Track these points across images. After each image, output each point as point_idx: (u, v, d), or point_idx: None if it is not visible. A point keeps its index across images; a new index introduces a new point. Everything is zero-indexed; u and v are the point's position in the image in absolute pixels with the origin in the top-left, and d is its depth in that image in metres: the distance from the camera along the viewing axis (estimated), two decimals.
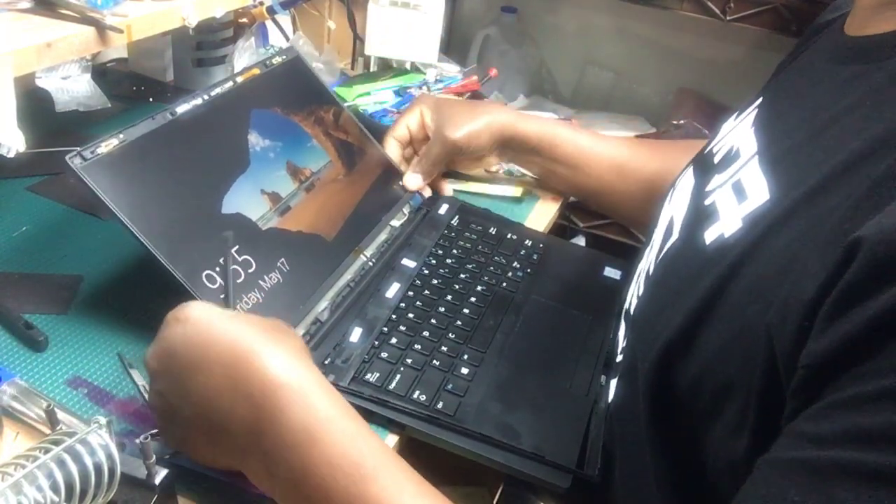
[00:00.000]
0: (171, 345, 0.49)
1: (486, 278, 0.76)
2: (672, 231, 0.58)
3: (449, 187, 0.92)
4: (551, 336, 0.71)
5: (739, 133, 0.56)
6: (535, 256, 0.81)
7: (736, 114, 0.63)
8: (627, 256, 0.85)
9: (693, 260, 0.49)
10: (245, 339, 0.48)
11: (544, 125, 0.89)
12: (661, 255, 0.57)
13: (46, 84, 1.01)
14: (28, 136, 0.64)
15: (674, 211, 0.60)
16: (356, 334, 0.64)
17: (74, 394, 0.58)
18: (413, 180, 0.85)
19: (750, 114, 0.58)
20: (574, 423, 0.61)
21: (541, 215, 0.94)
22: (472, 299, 0.73)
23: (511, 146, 0.89)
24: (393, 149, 0.88)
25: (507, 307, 0.73)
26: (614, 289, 0.80)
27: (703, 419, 0.45)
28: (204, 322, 0.49)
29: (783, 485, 0.34)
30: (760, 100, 0.58)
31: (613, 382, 0.62)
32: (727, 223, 0.47)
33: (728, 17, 1.29)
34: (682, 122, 1.48)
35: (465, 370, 0.64)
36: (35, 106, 0.96)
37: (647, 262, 0.62)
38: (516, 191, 0.94)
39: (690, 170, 0.63)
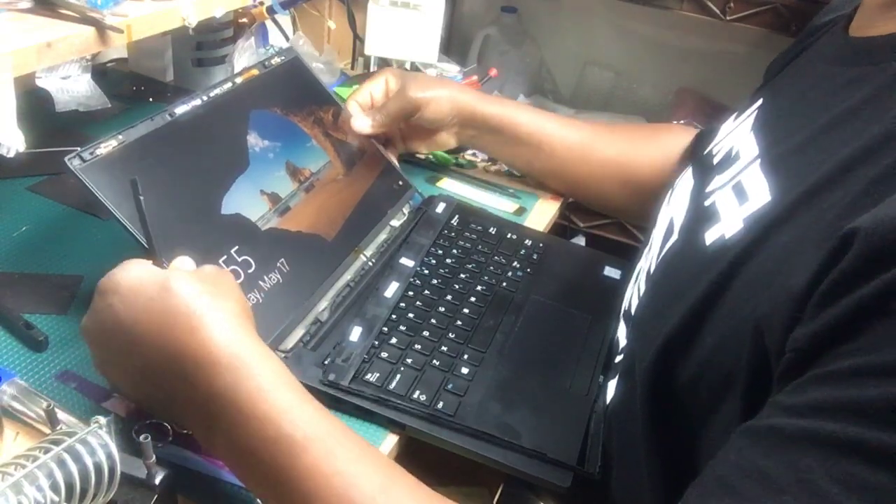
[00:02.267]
0: (102, 320, 0.49)
1: (485, 278, 0.76)
2: (672, 232, 0.58)
3: (396, 154, 0.90)
4: (551, 336, 0.71)
5: (739, 135, 0.56)
6: (535, 256, 0.81)
7: (735, 115, 0.63)
8: (627, 256, 0.85)
9: (693, 260, 0.49)
10: (179, 309, 0.46)
11: (506, 106, 0.89)
12: (661, 255, 0.57)
13: (46, 84, 1.01)
14: (28, 136, 0.64)
15: (673, 212, 0.60)
16: (356, 334, 0.64)
17: (68, 390, 0.58)
18: (361, 122, 0.83)
19: (750, 115, 0.58)
20: (574, 422, 0.61)
21: (541, 215, 0.94)
22: (472, 299, 0.73)
23: (472, 125, 0.89)
24: (353, 110, 0.85)
25: (507, 307, 0.73)
26: (614, 289, 0.80)
27: (699, 418, 0.45)
28: (133, 292, 0.48)
29: (753, 450, 0.36)
30: (760, 101, 0.58)
31: (613, 382, 0.62)
32: (728, 224, 0.48)
33: (728, 17, 1.29)
34: (681, 122, 1.48)
35: (465, 370, 0.64)
36: (35, 106, 0.96)
37: (647, 262, 0.62)
38: (511, 206, 0.94)
39: (690, 171, 0.63)
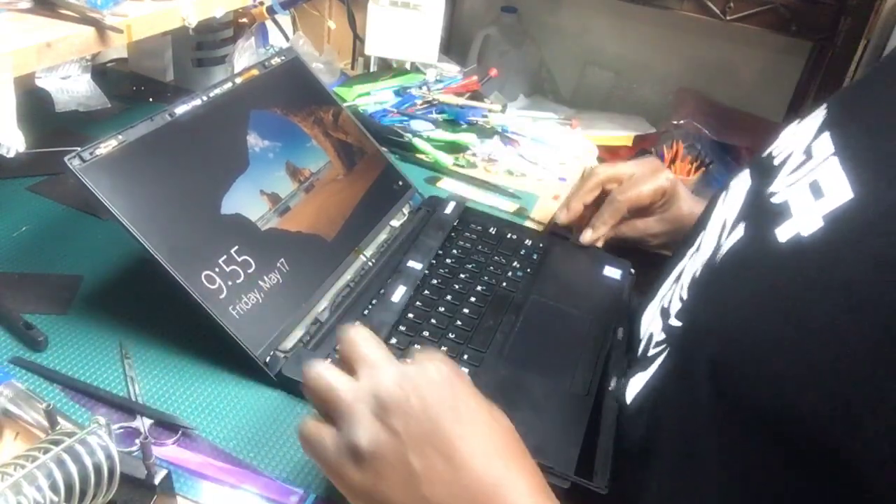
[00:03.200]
0: (425, 410, 0.43)
1: (486, 278, 0.76)
2: (725, 231, 0.57)
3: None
4: (551, 336, 0.71)
5: (805, 136, 0.55)
6: (535, 256, 0.81)
7: (797, 121, 0.62)
8: (627, 256, 0.85)
9: (765, 258, 0.47)
10: (491, 468, 0.43)
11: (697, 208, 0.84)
12: (721, 253, 0.54)
13: (46, 84, 1.01)
14: (28, 136, 0.64)
15: (727, 212, 0.59)
16: None
17: (67, 390, 0.58)
18: (588, 237, 0.83)
19: (815, 118, 0.56)
20: (574, 422, 0.61)
21: (541, 215, 0.94)
22: (472, 299, 0.73)
23: (688, 229, 0.85)
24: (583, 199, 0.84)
25: (507, 307, 0.73)
26: (614, 289, 0.80)
27: (780, 418, 0.42)
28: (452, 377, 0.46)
29: None
30: (825, 107, 0.57)
31: (640, 377, 0.60)
32: (803, 221, 0.45)
33: (728, 17, 1.29)
34: (682, 122, 1.48)
35: (465, 370, 0.64)
36: (35, 106, 0.96)
37: (693, 262, 0.61)
38: (511, 206, 0.94)
39: (746, 172, 0.62)
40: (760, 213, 0.52)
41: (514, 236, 0.84)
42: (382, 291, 0.71)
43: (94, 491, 0.44)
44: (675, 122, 1.48)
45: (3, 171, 0.82)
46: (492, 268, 0.78)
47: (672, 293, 0.63)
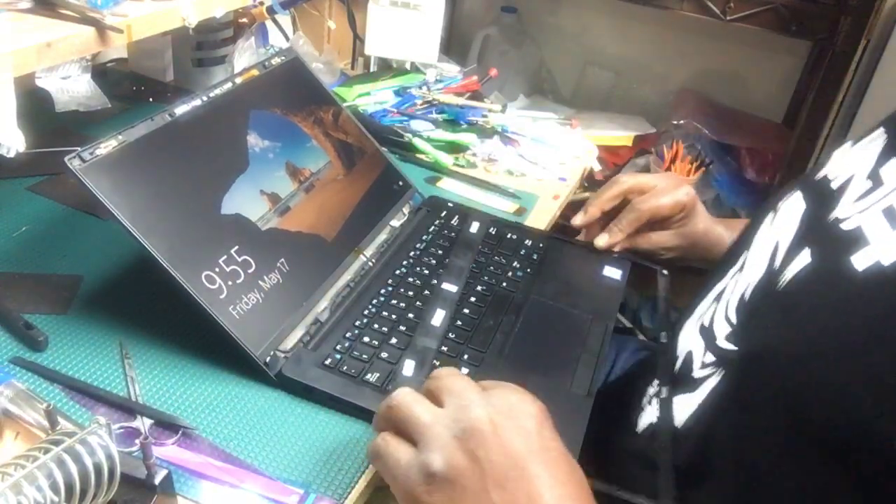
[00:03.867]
0: (511, 445, 0.43)
1: (485, 278, 0.76)
2: (777, 254, 0.56)
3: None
4: (551, 336, 0.71)
5: (867, 160, 0.54)
6: (535, 256, 0.81)
7: (850, 143, 0.61)
8: (627, 257, 0.85)
9: (841, 287, 0.47)
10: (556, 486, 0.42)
11: (731, 233, 0.84)
12: (784, 279, 0.53)
13: (46, 84, 1.01)
14: (28, 136, 0.64)
15: (778, 235, 0.58)
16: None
17: (67, 390, 0.58)
18: (603, 241, 0.83)
19: (873, 141, 0.56)
20: (574, 423, 0.61)
21: (541, 215, 0.94)
22: (472, 299, 0.73)
23: (698, 250, 0.86)
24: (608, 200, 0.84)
25: (507, 307, 0.73)
26: (614, 289, 0.80)
27: (856, 453, 0.42)
28: (548, 470, 0.43)
29: None
30: (883, 131, 0.56)
31: (684, 398, 0.59)
32: (882, 249, 0.45)
33: (728, 17, 1.29)
34: (682, 122, 1.48)
35: (465, 370, 0.64)
36: (35, 106, 0.96)
37: (736, 282, 0.60)
38: (510, 206, 0.94)
39: (798, 195, 0.61)
40: (828, 239, 0.51)
41: (514, 236, 0.84)
42: (378, 289, 0.71)
43: (94, 491, 0.44)
44: (675, 122, 1.48)
45: (3, 171, 0.82)
46: (492, 268, 0.78)
47: (713, 312, 0.62)
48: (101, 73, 1.11)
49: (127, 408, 0.58)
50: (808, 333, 0.47)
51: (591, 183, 1.45)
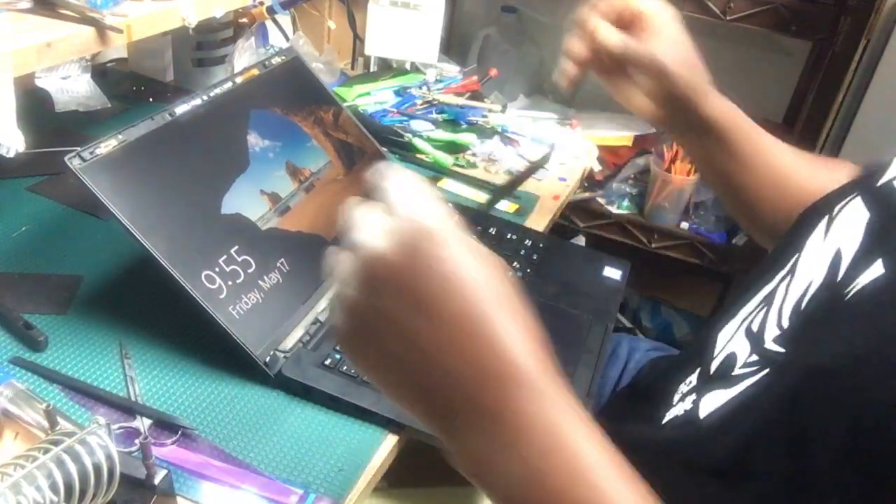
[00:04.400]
0: (407, 262, 0.39)
1: None
2: (840, 263, 0.54)
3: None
4: (551, 336, 0.71)
5: None
6: (535, 256, 0.81)
7: None
8: (627, 256, 0.85)
9: None
10: (490, 302, 0.40)
11: (727, 108, 0.78)
12: (854, 288, 0.52)
13: (46, 84, 1.01)
14: (28, 136, 0.64)
15: (840, 242, 0.56)
16: None
17: (67, 390, 0.58)
18: (607, 32, 0.73)
19: None
20: None
21: (541, 215, 0.94)
22: None
23: (684, 115, 0.77)
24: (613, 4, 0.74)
25: None
26: (614, 289, 0.80)
27: None
28: (453, 257, 0.40)
29: None
30: None
31: (716, 395, 0.59)
32: None
33: (728, 17, 1.29)
34: None
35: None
36: (35, 106, 0.96)
37: (787, 288, 0.59)
38: (510, 207, 0.94)
39: (858, 201, 0.59)
40: None
41: (514, 236, 0.84)
42: None
43: (93, 491, 0.44)
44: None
45: (3, 171, 0.82)
46: None
47: (762, 315, 0.60)
48: (101, 73, 1.11)
49: (127, 408, 0.58)
50: (881, 346, 0.46)
51: (591, 183, 1.45)
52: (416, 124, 1.07)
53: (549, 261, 0.81)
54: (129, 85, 1.11)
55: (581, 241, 1.42)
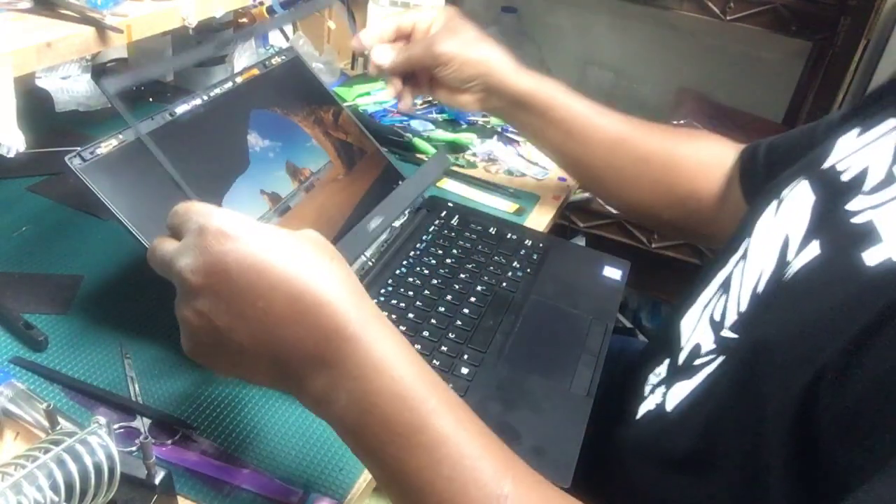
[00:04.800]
0: (221, 261, 0.43)
1: (486, 278, 0.76)
2: (789, 246, 0.55)
3: (410, 100, 0.87)
4: (551, 336, 0.71)
5: (883, 154, 0.54)
6: (535, 256, 0.81)
7: (857, 130, 0.60)
8: (627, 256, 0.85)
9: (850, 281, 0.46)
10: (308, 268, 0.44)
11: (541, 84, 0.86)
12: (793, 269, 0.53)
13: (46, 84, 1.01)
14: (28, 136, 0.64)
15: (788, 226, 0.58)
16: None
17: (67, 390, 0.58)
18: (382, 54, 0.82)
19: (888, 135, 0.55)
20: (574, 423, 0.61)
21: (541, 215, 0.94)
22: (472, 299, 0.73)
23: (498, 95, 0.85)
24: (385, 26, 0.83)
25: (507, 307, 0.73)
26: (614, 289, 0.80)
27: (854, 453, 0.42)
28: (259, 243, 0.44)
29: None
30: (894, 121, 0.56)
31: (680, 387, 0.60)
32: (894, 247, 0.45)
33: (728, 17, 1.29)
34: (682, 122, 1.48)
35: (465, 370, 0.64)
36: (35, 106, 0.96)
37: (742, 271, 0.60)
38: (510, 207, 0.94)
39: (804, 184, 0.60)
40: (839, 232, 0.51)
41: (514, 236, 0.84)
42: (378, 289, 0.71)
43: (94, 491, 0.44)
44: (675, 122, 1.48)
45: (3, 171, 0.82)
46: (492, 268, 0.78)
47: (721, 302, 0.61)
48: (101, 73, 1.11)
49: (127, 408, 0.58)
50: (814, 325, 0.47)
51: None
52: (416, 124, 1.07)
53: (549, 261, 0.81)
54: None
55: (581, 241, 1.42)
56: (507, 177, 1.01)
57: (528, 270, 0.79)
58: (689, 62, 1.54)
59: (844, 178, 0.56)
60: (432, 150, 1.01)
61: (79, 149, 0.57)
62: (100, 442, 0.45)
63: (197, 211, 0.46)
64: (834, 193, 0.55)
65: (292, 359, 0.44)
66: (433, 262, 0.77)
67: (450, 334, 0.67)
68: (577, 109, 0.86)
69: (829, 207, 0.55)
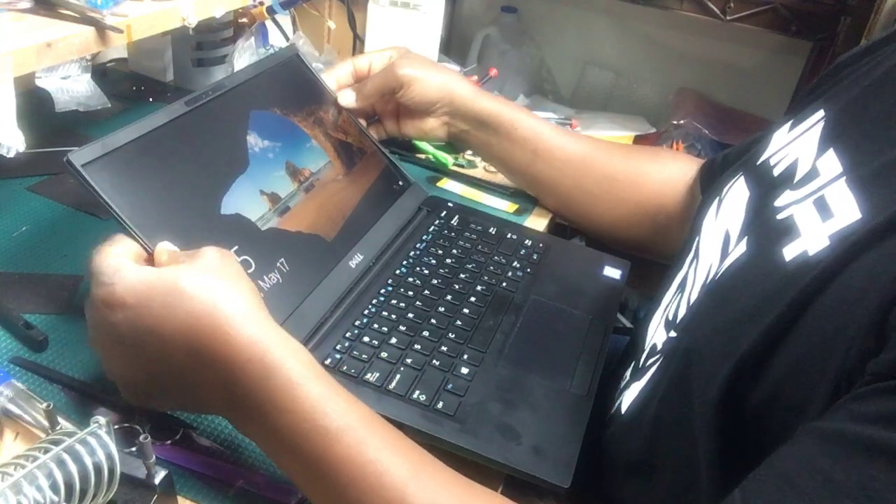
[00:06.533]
0: (116, 334, 0.48)
1: (486, 278, 0.76)
2: (729, 243, 0.56)
3: (383, 132, 0.91)
4: (551, 336, 0.71)
5: (807, 148, 0.54)
6: (535, 256, 0.81)
7: (789, 124, 0.60)
8: (627, 256, 0.85)
9: (770, 276, 0.47)
10: (198, 311, 0.46)
11: (504, 105, 0.87)
12: (724, 267, 0.54)
13: (46, 84, 1.01)
14: (28, 136, 0.64)
15: (727, 223, 0.58)
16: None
17: (67, 390, 0.58)
18: (346, 96, 0.84)
19: (813, 127, 0.55)
20: (574, 423, 0.61)
21: (541, 215, 0.94)
22: (472, 299, 0.73)
23: (463, 118, 0.87)
24: (343, 70, 0.86)
25: (506, 307, 0.73)
26: (614, 289, 0.80)
27: (768, 443, 0.43)
28: (144, 303, 0.47)
29: (820, 452, 0.36)
30: (822, 112, 0.56)
31: (633, 389, 0.60)
32: (811, 241, 0.46)
33: (728, 17, 1.29)
34: (682, 122, 1.48)
35: (465, 370, 0.64)
36: (35, 106, 0.96)
37: (695, 272, 0.60)
38: (509, 206, 0.94)
39: (741, 180, 0.61)
40: (763, 229, 0.52)
41: (514, 236, 0.84)
42: (378, 289, 0.71)
43: (94, 491, 0.44)
44: (675, 122, 1.48)
45: (3, 171, 0.82)
46: (492, 268, 0.78)
47: (678, 303, 0.62)
48: (101, 73, 1.11)
49: (127, 408, 0.58)
50: (735, 321, 0.48)
51: None
52: None
53: (549, 261, 0.81)
54: (129, 85, 1.11)
55: (581, 241, 1.42)
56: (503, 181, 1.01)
57: (528, 270, 0.79)
58: (689, 62, 1.54)
59: (776, 171, 0.56)
60: (432, 150, 1.01)
61: (78, 149, 0.57)
62: (100, 442, 0.45)
63: (97, 269, 0.50)
64: (766, 189, 0.56)
65: (198, 392, 0.48)
66: (433, 262, 0.77)
67: (450, 334, 0.67)
68: (542, 129, 0.87)
69: (760, 204, 0.55)
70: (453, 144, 0.94)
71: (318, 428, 0.45)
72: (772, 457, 0.39)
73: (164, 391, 0.50)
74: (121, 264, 0.49)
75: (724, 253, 0.56)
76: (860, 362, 0.38)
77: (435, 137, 0.91)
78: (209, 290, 0.47)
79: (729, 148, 0.78)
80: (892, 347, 0.36)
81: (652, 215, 0.84)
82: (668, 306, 0.64)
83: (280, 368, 0.46)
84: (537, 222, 0.92)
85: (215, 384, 0.47)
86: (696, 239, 0.63)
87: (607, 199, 0.86)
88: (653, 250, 0.91)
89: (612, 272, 0.82)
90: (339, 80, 0.86)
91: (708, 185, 0.77)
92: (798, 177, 0.53)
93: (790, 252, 0.46)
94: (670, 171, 0.85)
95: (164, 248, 0.53)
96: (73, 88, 1.03)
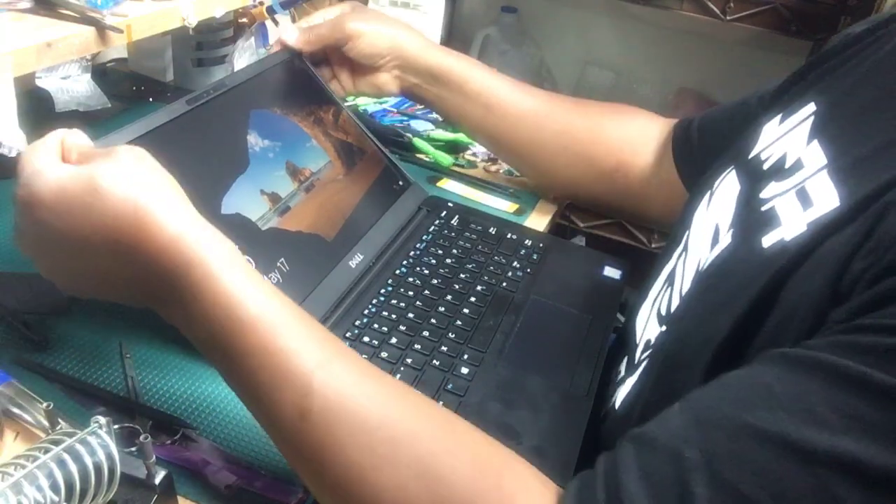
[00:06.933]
0: (37, 234, 0.48)
1: (486, 278, 0.76)
2: (719, 237, 0.56)
3: (341, 91, 0.88)
4: (551, 336, 0.71)
5: (796, 142, 0.54)
6: (535, 256, 0.81)
7: (780, 117, 0.61)
8: (627, 256, 0.85)
9: (748, 264, 0.48)
10: (119, 209, 0.45)
11: (456, 59, 0.85)
12: (711, 260, 0.54)
13: (46, 84, 1.01)
14: (28, 136, 0.64)
15: (718, 216, 0.58)
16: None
17: (66, 390, 0.58)
18: (288, 32, 0.81)
19: (804, 121, 0.55)
20: (574, 423, 0.61)
21: (541, 215, 0.94)
22: (472, 299, 0.73)
23: (413, 71, 0.85)
24: (287, 24, 0.85)
25: (506, 307, 0.73)
26: (614, 289, 0.80)
27: None
28: (63, 202, 0.46)
29: (762, 368, 0.39)
30: (812, 106, 0.56)
31: (626, 384, 0.61)
32: (789, 228, 0.46)
33: (728, 17, 1.29)
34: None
35: (465, 370, 0.64)
36: (35, 106, 0.96)
37: (684, 265, 0.60)
38: (510, 207, 0.94)
39: (733, 174, 0.61)
40: (749, 221, 0.52)
41: (514, 236, 0.84)
42: (378, 289, 0.71)
43: (94, 491, 0.44)
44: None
45: (3, 171, 0.82)
46: (492, 268, 0.78)
47: (666, 296, 0.62)
48: (101, 73, 1.11)
49: (127, 408, 0.58)
50: (714, 311, 0.48)
51: None
52: (416, 124, 1.07)
53: (549, 261, 0.81)
54: (129, 85, 1.11)
55: (581, 241, 1.42)
56: (507, 177, 1.01)
57: (528, 270, 0.79)
58: (689, 62, 1.54)
59: (766, 166, 0.56)
60: (432, 150, 1.01)
61: None
62: (100, 442, 0.45)
63: (20, 170, 0.47)
64: (755, 182, 0.56)
65: (130, 296, 0.49)
66: (433, 261, 0.77)
67: (450, 334, 0.67)
68: (496, 83, 0.85)
69: (749, 196, 0.56)
70: (409, 96, 0.90)
71: (232, 317, 0.45)
72: (729, 374, 0.41)
73: (94, 286, 0.50)
74: (42, 164, 0.47)
75: (713, 246, 0.57)
76: (820, 323, 0.40)
77: (388, 92, 0.88)
78: (126, 188, 0.46)
79: (705, 112, 0.77)
80: (852, 299, 0.38)
81: (609, 173, 0.83)
82: (657, 300, 0.64)
83: (201, 261, 0.45)
84: (537, 222, 0.92)
85: (138, 280, 0.47)
86: (686, 232, 0.63)
87: (564, 156, 0.85)
88: (617, 209, 0.91)
89: (612, 272, 0.82)
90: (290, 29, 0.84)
91: (683, 152, 0.77)
92: (785, 167, 0.53)
93: (768, 240, 0.47)
94: (630, 129, 0.84)
95: (73, 144, 0.50)
96: (73, 88, 1.03)
